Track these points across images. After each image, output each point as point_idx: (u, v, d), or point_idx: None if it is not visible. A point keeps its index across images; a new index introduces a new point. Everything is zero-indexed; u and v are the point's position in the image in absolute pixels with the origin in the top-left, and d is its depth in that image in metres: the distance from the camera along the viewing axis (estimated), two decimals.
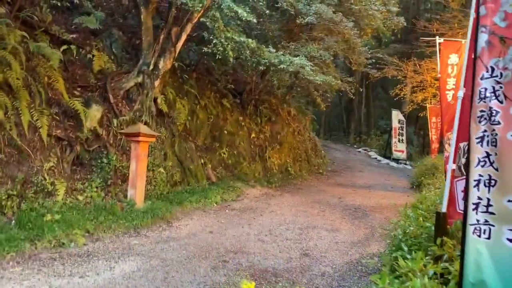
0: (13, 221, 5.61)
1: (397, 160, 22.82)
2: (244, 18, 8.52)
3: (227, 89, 12.12)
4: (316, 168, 15.73)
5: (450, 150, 6.92)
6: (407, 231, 3.73)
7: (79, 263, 4.85)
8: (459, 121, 3.26)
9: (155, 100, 8.72)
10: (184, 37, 8.60)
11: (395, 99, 24.37)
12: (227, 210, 8.30)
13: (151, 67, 8.51)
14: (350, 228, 7.64)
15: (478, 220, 2.17)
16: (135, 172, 6.98)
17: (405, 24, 13.10)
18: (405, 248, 3.31)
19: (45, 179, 6.34)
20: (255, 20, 8.74)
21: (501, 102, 2.24)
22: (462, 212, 3.09)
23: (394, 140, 23.39)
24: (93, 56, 8.38)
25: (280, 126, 13.91)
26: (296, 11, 10.67)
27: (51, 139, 6.83)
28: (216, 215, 7.84)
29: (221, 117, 11.57)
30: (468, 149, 2.30)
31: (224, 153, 11.14)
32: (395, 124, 23.56)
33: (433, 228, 3.36)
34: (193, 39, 10.47)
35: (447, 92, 6.72)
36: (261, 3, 10.55)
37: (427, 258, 2.87)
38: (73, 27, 8.82)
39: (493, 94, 2.25)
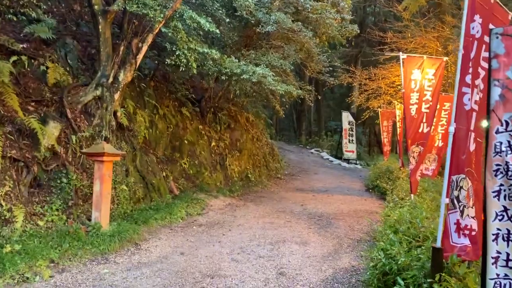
0: None
1: (347, 160, 23.51)
2: (207, 29, 8.35)
3: (186, 97, 11.88)
4: (274, 173, 15.84)
5: (414, 163, 7.20)
6: (398, 261, 3.77)
7: None
8: (451, 155, 3.34)
9: (114, 113, 8.36)
10: (145, 48, 8.30)
11: (346, 99, 25.13)
12: (194, 227, 8.12)
13: (111, 79, 8.15)
14: (318, 239, 7.72)
15: (498, 275, 2.22)
16: (100, 194, 6.65)
17: (358, 31, 13.44)
18: (401, 282, 3.36)
19: (1, 205, 5.89)
20: (218, 31, 8.60)
21: None
22: (455, 245, 3.19)
23: (344, 140, 24.09)
24: (47, 67, 7.88)
25: (239, 132, 13.84)
26: (256, 20, 10.62)
27: (5, 160, 6.35)
28: (184, 233, 7.65)
29: (181, 126, 11.33)
30: (484, 203, 2.34)
31: (185, 164, 10.92)
32: (345, 125, 24.26)
33: (422, 257, 3.44)
34: (150, 46, 10.15)
35: (410, 106, 6.97)
36: (220, 12, 10.42)
37: None
38: (21, 35, 8.26)
39: (508, 148, 2.30)
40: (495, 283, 2.22)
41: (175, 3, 7.84)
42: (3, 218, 5.85)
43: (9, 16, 7.77)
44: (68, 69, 8.38)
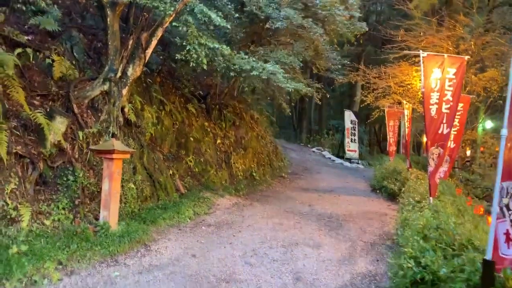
0: None
1: (349, 160, 23.33)
2: (218, 24, 8.11)
3: (192, 93, 11.63)
4: (278, 172, 15.62)
5: (433, 165, 7.00)
6: (435, 271, 3.55)
7: None
8: (502, 161, 3.13)
9: (122, 109, 8.11)
10: (154, 42, 8.04)
11: (347, 98, 24.99)
12: (203, 227, 7.89)
13: (119, 74, 7.89)
14: (330, 242, 7.51)
15: None
16: (108, 192, 6.40)
17: (367, 29, 13.21)
18: None
19: (7, 203, 5.64)
20: (228, 26, 8.35)
21: None
22: (505, 256, 2.98)
23: (347, 140, 23.91)
24: (53, 61, 7.60)
25: (244, 130, 13.61)
26: (265, 16, 10.37)
27: (10, 156, 6.09)
28: (193, 233, 7.42)
29: (187, 123, 11.08)
30: None
31: (191, 161, 10.68)
32: (347, 124, 24.08)
33: (466, 268, 3.22)
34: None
35: (430, 106, 6.75)
36: (229, 6, 10.16)
37: None
38: (26, 27, 7.98)
39: None
40: None
41: None
42: (9, 217, 5.59)
43: (18, 5, 7.46)
44: (74, 62, 8.11)
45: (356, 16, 13.01)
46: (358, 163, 23.27)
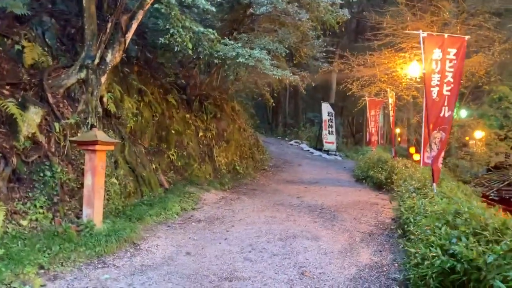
0: None
1: (327, 152, 23.18)
2: (202, 6, 7.61)
3: (171, 83, 11.06)
4: (260, 165, 15.24)
5: (436, 149, 6.75)
6: (475, 261, 3.21)
7: None
8: None
9: (101, 99, 7.51)
10: (135, 26, 7.47)
11: (326, 91, 24.80)
12: (193, 223, 7.41)
13: (97, 60, 7.28)
14: (328, 234, 7.17)
15: None
16: (92, 188, 5.84)
17: (349, 17, 12.93)
18: (502, 286, 2.81)
19: None
20: (213, 9, 7.87)
21: None
22: None
23: (324, 132, 23.71)
24: (23, 47, 6.93)
25: (225, 122, 13.12)
26: (249, 0, 9.91)
27: None
28: (183, 230, 6.92)
29: (167, 115, 10.52)
30: None
31: (173, 155, 10.13)
32: (325, 116, 23.88)
33: None
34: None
35: (432, 88, 6.49)
36: None
37: None
38: None
39: None
40: None
41: None
42: None
43: None
44: (46, 49, 7.43)
45: (337, 2, 12.69)
46: (336, 155, 23.17)
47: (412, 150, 20.71)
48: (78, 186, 6.46)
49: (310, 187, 12.22)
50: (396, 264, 5.85)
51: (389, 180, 11.82)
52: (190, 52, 7.73)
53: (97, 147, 5.78)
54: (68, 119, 6.79)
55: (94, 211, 5.82)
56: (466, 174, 12.92)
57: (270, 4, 9.82)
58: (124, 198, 7.43)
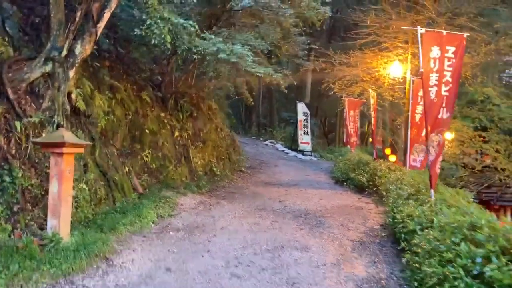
0: None
1: (303, 152, 22.84)
2: None
3: (145, 80, 10.35)
4: (237, 166, 14.66)
5: (433, 153, 6.37)
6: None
7: None
8: None
9: (69, 95, 6.76)
10: (107, 15, 6.77)
11: (300, 90, 24.41)
12: (171, 232, 6.77)
13: (64, 52, 6.54)
14: (317, 243, 6.70)
15: None
16: (58, 196, 5.14)
17: (330, 14, 12.55)
18: None
19: None
20: (194, 0, 7.26)
21: None
22: None
23: (300, 132, 23.34)
24: None
25: (202, 122, 12.49)
26: None
27: None
28: (161, 241, 6.29)
29: (141, 114, 9.80)
30: None
31: (147, 157, 9.44)
32: (300, 116, 23.52)
33: None
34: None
35: (430, 88, 6.11)
36: None
37: None
38: None
39: None
40: None
41: None
42: None
43: None
44: (7, 39, 6.63)
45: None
46: (311, 155, 22.83)
47: (387, 151, 20.60)
48: (42, 193, 5.75)
49: (291, 190, 11.75)
50: (394, 278, 5.44)
51: (371, 183, 11.50)
52: (168, 45, 7.08)
53: (64, 149, 5.09)
54: (31, 117, 6.04)
55: (60, 222, 5.13)
56: (450, 177, 12.81)
57: None
58: (94, 206, 6.72)
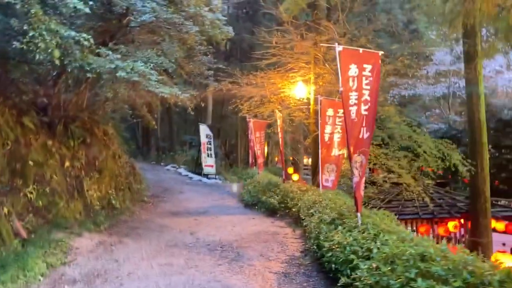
0: None
1: (207, 176, 22.15)
2: (72, 6, 6.00)
3: (28, 103, 8.88)
4: (138, 196, 13.43)
5: (358, 175, 6.10)
6: None
7: None
8: None
9: None
10: None
11: (199, 112, 23.72)
12: (66, 286, 5.58)
13: None
14: (239, 281, 6.05)
15: None
16: None
17: (233, 34, 12.18)
18: None
19: None
20: (88, 10, 6.28)
21: None
22: None
23: (203, 155, 22.65)
24: None
25: (97, 149, 11.14)
26: (129, 8, 8.43)
27: None
28: None
29: (23, 143, 8.32)
30: None
31: (32, 193, 7.96)
32: (203, 138, 22.86)
33: None
34: None
35: (350, 108, 5.87)
36: None
37: None
38: None
39: None
40: None
41: None
42: None
43: None
44: None
45: (222, 19, 11.87)
46: (215, 178, 22.21)
47: (290, 170, 20.79)
48: None
49: (201, 219, 10.96)
50: None
51: (282, 205, 11.22)
52: (57, 62, 5.98)
53: None
54: None
55: None
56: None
57: (153, 12, 8.47)
58: None
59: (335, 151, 9.68)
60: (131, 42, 9.29)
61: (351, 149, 5.79)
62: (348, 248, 5.00)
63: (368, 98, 5.93)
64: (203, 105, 13.77)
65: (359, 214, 5.76)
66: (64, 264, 6.48)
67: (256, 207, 12.37)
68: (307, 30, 12.47)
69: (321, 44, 9.88)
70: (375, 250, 4.33)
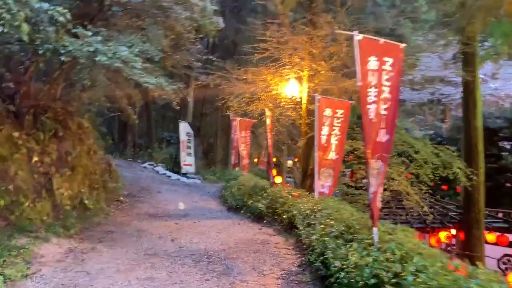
0: None
1: (186, 175, 21.24)
2: None
3: None
4: (113, 195, 12.43)
5: (375, 184, 5.34)
6: None
7: None
8: None
9: None
10: None
11: (180, 109, 22.82)
12: None
13: None
14: None
15: None
16: None
17: (223, 25, 11.34)
18: None
19: None
20: None
21: None
22: None
23: (182, 153, 21.72)
24: None
25: (70, 143, 10.12)
26: None
27: None
28: None
29: None
30: None
31: None
32: (182, 136, 21.93)
33: None
34: None
35: (368, 106, 5.12)
36: None
37: None
38: None
39: None
40: None
41: None
42: None
43: None
44: None
45: (210, 9, 11.00)
46: (195, 178, 21.32)
47: (274, 172, 20.06)
48: None
49: (182, 223, 10.09)
50: None
51: (270, 211, 10.44)
52: (26, 39, 5.04)
53: None
54: None
55: None
56: (356, 202, 12.40)
57: None
58: None
59: (333, 155, 8.98)
60: (114, 25, 8.34)
61: (368, 153, 5.05)
62: (367, 270, 4.25)
63: (389, 96, 5.21)
64: (186, 100, 12.89)
65: (375, 229, 5.02)
66: (25, 277, 5.52)
67: (242, 211, 11.58)
68: (303, 24, 11.75)
69: (338, 31, 9.11)
70: (409, 278, 3.59)
